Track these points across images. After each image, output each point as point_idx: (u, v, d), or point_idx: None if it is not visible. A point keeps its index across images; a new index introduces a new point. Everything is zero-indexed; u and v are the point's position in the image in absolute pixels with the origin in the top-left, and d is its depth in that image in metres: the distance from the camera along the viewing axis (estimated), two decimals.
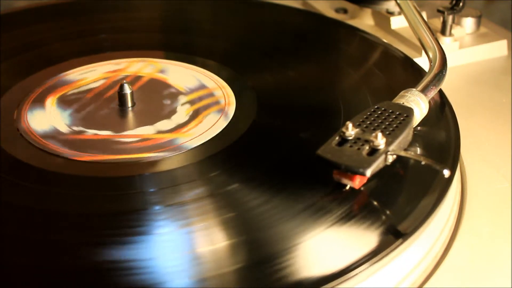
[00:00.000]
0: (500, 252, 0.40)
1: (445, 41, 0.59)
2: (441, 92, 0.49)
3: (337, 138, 0.40)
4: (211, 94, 0.50)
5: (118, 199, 0.41)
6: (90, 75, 0.54)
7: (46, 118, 0.49)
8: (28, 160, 0.44)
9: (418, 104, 0.43)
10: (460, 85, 0.56)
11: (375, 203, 0.39)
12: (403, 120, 0.41)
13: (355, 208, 0.38)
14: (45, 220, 0.39)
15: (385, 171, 0.39)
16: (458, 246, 0.40)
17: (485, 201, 0.43)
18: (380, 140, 0.39)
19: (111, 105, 0.50)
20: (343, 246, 0.37)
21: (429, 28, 0.53)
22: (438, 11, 0.59)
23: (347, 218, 0.38)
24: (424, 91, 0.45)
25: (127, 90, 0.49)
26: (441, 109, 0.47)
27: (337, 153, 0.39)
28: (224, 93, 0.50)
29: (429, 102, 0.45)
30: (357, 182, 0.39)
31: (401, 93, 0.44)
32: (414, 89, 0.44)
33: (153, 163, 0.43)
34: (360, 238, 0.37)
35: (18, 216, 0.39)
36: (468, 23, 0.62)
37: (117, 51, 0.58)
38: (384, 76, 0.52)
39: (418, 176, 0.41)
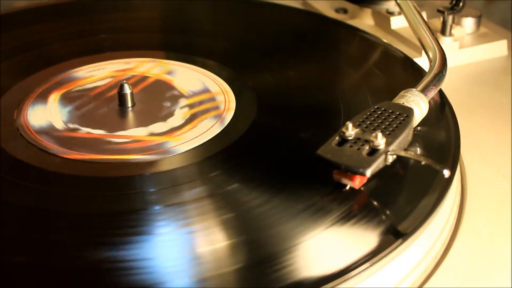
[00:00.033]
0: (500, 252, 0.40)
1: (445, 41, 0.59)
2: (441, 92, 0.49)
3: (337, 138, 0.40)
4: (212, 99, 0.50)
5: (118, 199, 0.41)
6: (98, 73, 0.54)
7: (45, 114, 0.49)
8: (28, 160, 0.44)
9: (418, 104, 0.43)
10: (460, 85, 0.56)
11: (375, 203, 0.39)
12: (403, 120, 0.41)
13: (355, 208, 0.38)
14: (45, 220, 0.39)
15: (385, 171, 0.39)
16: (458, 246, 0.40)
17: (485, 201, 0.43)
18: (380, 140, 0.39)
19: (111, 104, 0.50)
20: (343, 246, 0.37)
21: (429, 28, 0.53)
22: (438, 11, 0.59)
23: (347, 218, 0.38)
24: (424, 91, 0.45)
25: (127, 90, 0.49)
26: (441, 109, 0.47)
27: (337, 153, 0.39)
28: (225, 99, 0.50)
29: (429, 102, 0.45)
30: (357, 182, 0.39)
31: (401, 93, 0.44)
32: (414, 89, 0.44)
33: (153, 163, 0.43)
34: (360, 238, 0.37)
35: (18, 216, 0.39)
36: (468, 23, 0.62)
37: (117, 51, 0.58)
38: (384, 76, 0.52)
39: (418, 176, 0.41)
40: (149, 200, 0.40)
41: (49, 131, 0.47)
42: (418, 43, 0.54)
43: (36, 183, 0.42)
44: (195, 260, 0.36)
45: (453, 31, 0.60)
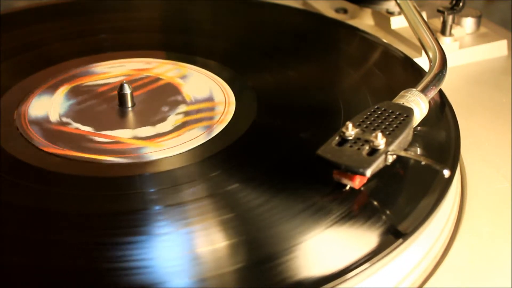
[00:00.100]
0: (500, 252, 0.40)
1: (445, 41, 0.59)
2: (441, 92, 0.49)
3: (337, 138, 0.40)
4: (211, 109, 0.49)
5: (118, 199, 0.41)
6: (115, 70, 0.55)
7: (46, 105, 0.50)
8: (28, 160, 0.44)
9: (418, 104, 0.43)
10: (460, 85, 0.56)
11: (375, 203, 0.39)
12: (403, 120, 0.41)
13: (355, 208, 0.38)
14: (45, 220, 0.39)
15: (385, 171, 0.39)
16: (458, 246, 0.40)
17: (485, 201, 0.43)
18: (380, 140, 0.39)
19: (112, 103, 0.50)
20: (343, 246, 0.37)
21: (429, 28, 0.53)
22: (438, 11, 0.59)
23: (347, 218, 0.38)
24: (424, 91, 0.45)
25: (127, 90, 0.49)
26: (441, 109, 0.47)
27: (337, 153, 0.39)
28: (224, 109, 0.49)
29: (429, 102, 0.45)
30: (357, 182, 0.39)
31: (401, 93, 0.44)
32: (414, 89, 0.44)
33: (154, 163, 0.43)
34: (360, 238, 0.37)
35: (18, 216, 0.39)
36: (468, 23, 0.62)
37: (117, 51, 0.58)
38: (384, 76, 0.52)
39: (418, 176, 0.41)
40: (149, 200, 0.40)
41: (41, 123, 0.48)
42: (418, 43, 0.54)
43: (36, 183, 0.42)
44: (195, 260, 0.36)
45: (453, 31, 0.60)
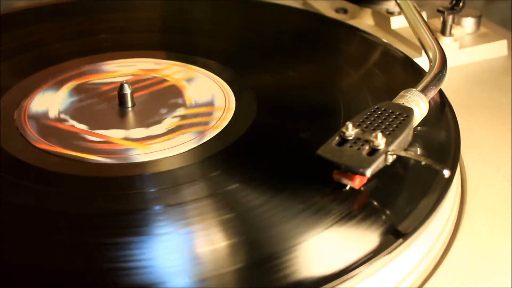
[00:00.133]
0: (500, 252, 0.40)
1: (445, 41, 0.59)
2: (441, 92, 0.49)
3: (337, 138, 0.40)
4: (209, 114, 0.48)
5: (118, 199, 0.41)
6: (125, 69, 0.55)
7: (49, 100, 0.50)
8: (28, 160, 0.44)
9: (418, 104, 0.43)
10: (460, 85, 0.56)
11: (375, 203, 0.39)
12: (403, 120, 0.41)
13: (355, 208, 0.38)
14: (45, 220, 0.39)
15: (385, 171, 0.39)
16: (458, 246, 0.40)
17: (485, 201, 0.43)
18: (380, 140, 0.39)
19: (112, 102, 0.50)
20: (343, 246, 0.37)
21: (429, 28, 0.53)
22: (438, 11, 0.59)
23: (347, 218, 0.38)
24: (424, 91, 0.45)
25: (127, 90, 0.49)
26: (441, 109, 0.47)
27: (337, 153, 0.39)
28: (222, 115, 0.48)
29: (429, 102, 0.45)
30: (357, 182, 0.39)
31: (401, 93, 0.44)
32: (414, 89, 0.44)
33: (154, 163, 0.43)
34: (360, 238, 0.37)
35: (18, 216, 0.39)
36: (468, 23, 0.62)
37: (117, 51, 0.58)
38: (384, 76, 0.52)
39: (418, 176, 0.41)
40: (149, 200, 0.40)
41: (39, 118, 0.48)
42: (418, 43, 0.54)
43: (36, 183, 0.42)
44: (195, 260, 0.36)
45: (453, 31, 0.60)
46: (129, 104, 0.49)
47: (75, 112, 0.49)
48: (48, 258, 0.36)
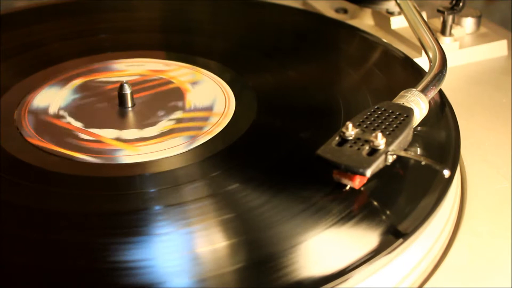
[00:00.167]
0: (500, 252, 0.40)
1: (445, 41, 0.59)
2: (441, 92, 0.49)
3: (337, 138, 0.40)
4: (205, 119, 0.48)
5: (118, 199, 0.41)
6: (134, 69, 0.55)
7: (52, 96, 0.50)
8: (28, 160, 0.44)
9: (418, 104, 0.43)
10: (460, 85, 0.56)
11: (375, 203, 0.39)
12: (403, 120, 0.41)
13: (355, 208, 0.38)
14: (45, 220, 0.39)
15: (385, 171, 0.39)
16: (458, 246, 0.40)
17: (485, 201, 0.43)
18: (380, 140, 0.39)
19: (113, 102, 0.50)
20: (343, 246, 0.37)
21: (429, 28, 0.53)
22: (438, 11, 0.59)
23: (347, 218, 0.38)
24: (424, 91, 0.45)
25: (127, 90, 0.49)
26: (441, 109, 0.47)
27: (337, 153, 0.39)
28: (218, 121, 0.47)
29: (429, 102, 0.45)
30: (357, 182, 0.39)
31: (401, 93, 0.44)
32: (414, 89, 0.44)
33: (154, 163, 0.43)
34: (360, 238, 0.37)
35: (18, 216, 0.39)
36: (468, 23, 0.62)
37: (117, 51, 0.58)
38: (384, 76, 0.52)
39: (418, 176, 0.41)
40: (149, 200, 0.40)
41: (38, 113, 0.48)
42: (418, 43, 0.54)
43: (36, 182, 0.42)
44: (195, 260, 0.36)
45: (453, 31, 0.60)
46: (129, 104, 0.49)
47: (75, 109, 0.49)
48: (48, 258, 0.36)
